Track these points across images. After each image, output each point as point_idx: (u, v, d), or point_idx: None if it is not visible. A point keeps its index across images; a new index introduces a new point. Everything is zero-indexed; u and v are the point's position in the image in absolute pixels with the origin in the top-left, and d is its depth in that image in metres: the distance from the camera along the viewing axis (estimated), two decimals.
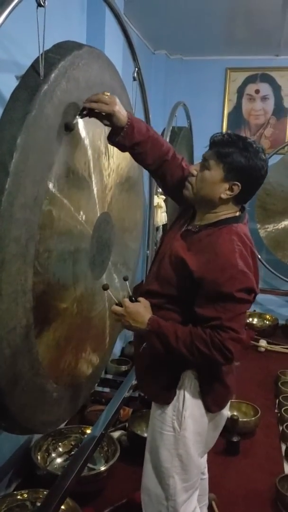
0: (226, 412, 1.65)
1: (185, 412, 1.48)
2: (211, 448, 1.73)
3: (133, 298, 1.47)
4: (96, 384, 2.67)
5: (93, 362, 1.94)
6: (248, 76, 4.42)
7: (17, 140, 1.15)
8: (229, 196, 1.43)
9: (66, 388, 1.69)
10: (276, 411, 3.07)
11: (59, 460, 2.37)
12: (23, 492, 2.03)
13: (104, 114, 1.43)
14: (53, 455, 2.38)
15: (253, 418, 2.80)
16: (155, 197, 2.95)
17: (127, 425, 2.61)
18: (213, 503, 2.14)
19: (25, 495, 2.02)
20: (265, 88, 4.41)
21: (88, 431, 2.40)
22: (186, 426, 1.49)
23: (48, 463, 2.32)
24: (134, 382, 2.58)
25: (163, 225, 3.18)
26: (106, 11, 2.43)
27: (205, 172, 1.44)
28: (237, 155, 1.39)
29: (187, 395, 1.48)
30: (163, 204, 3.04)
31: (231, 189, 1.42)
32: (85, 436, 2.38)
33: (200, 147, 1.67)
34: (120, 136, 1.48)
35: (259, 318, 4.57)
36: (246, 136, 1.47)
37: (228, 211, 1.47)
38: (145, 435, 2.37)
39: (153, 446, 1.56)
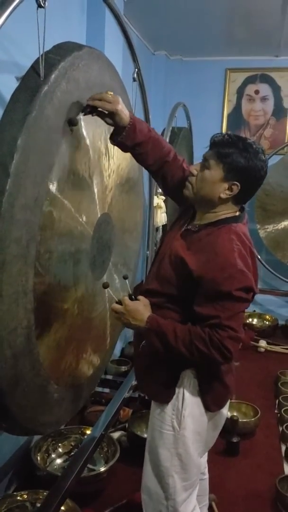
0: (226, 411, 1.66)
1: (184, 411, 1.49)
2: (211, 449, 1.73)
3: (133, 297, 1.49)
4: (96, 385, 2.66)
5: (94, 362, 1.94)
6: (247, 76, 4.43)
7: (18, 141, 1.15)
8: (228, 196, 1.44)
9: (67, 389, 1.69)
10: (276, 411, 3.08)
11: (59, 460, 2.37)
12: (23, 493, 2.03)
13: (106, 112, 1.45)
14: (53, 455, 2.38)
15: (253, 419, 2.80)
16: (155, 197, 2.95)
17: (127, 426, 2.61)
18: (213, 504, 2.14)
19: (25, 496, 2.02)
20: (264, 89, 4.41)
21: (88, 432, 2.40)
22: (186, 425, 1.49)
23: (48, 463, 2.32)
24: (134, 382, 2.58)
25: (163, 226, 3.19)
26: (106, 12, 2.43)
27: (205, 172, 1.45)
28: (237, 155, 1.40)
29: (187, 394, 1.49)
30: (163, 204, 3.04)
31: (230, 189, 1.43)
32: (85, 436, 2.38)
33: (200, 147, 1.68)
34: (122, 135, 1.50)
35: (259, 318, 4.57)
36: (246, 137, 1.48)
37: (227, 211, 1.48)
38: (145, 435, 2.37)
39: (153, 445, 1.56)
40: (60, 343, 1.56)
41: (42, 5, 1.24)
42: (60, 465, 2.34)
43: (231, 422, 2.57)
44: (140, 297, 1.50)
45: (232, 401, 2.90)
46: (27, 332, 1.32)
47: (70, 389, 1.73)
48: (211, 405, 1.51)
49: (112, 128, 1.55)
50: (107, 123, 1.50)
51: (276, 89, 4.39)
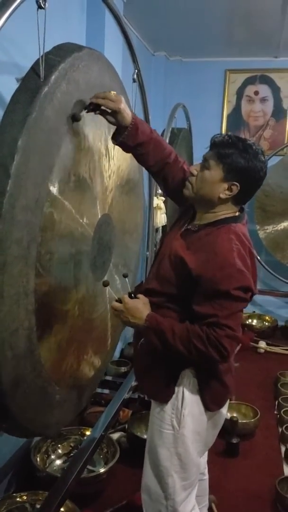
0: (225, 411, 1.66)
1: (184, 411, 1.49)
2: (210, 450, 1.73)
3: (133, 295, 1.50)
4: (97, 386, 2.66)
5: (95, 364, 1.94)
6: (247, 77, 4.43)
7: (18, 142, 1.15)
8: (228, 196, 1.46)
9: (68, 390, 1.69)
10: (275, 412, 3.07)
11: (58, 462, 2.37)
12: (22, 494, 2.03)
13: (109, 111, 1.47)
14: (53, 456, 2.38)
15: (252, 420, 2.80)
16: (155, 198, 2.95)
17: (126, 427, 2.61)
18: (213, 505, 2.14)
19: (25, 497, 2.02)
20: (264, 90, 4.42)
21: (88, 433, 2.40)
22: (185, 425, 1.50)
23: (47, 465, 2.31)
24: (133, 383, 2.58)
25: (163, 227, 3.18)
26: (105, 13, 2.43)
27: (205, 172, 1.46)
28: (236, 156, 1.41)
29: (186, 393, 1.49)
30: (162, 205, 3.04)
31: (230, 189, 1.44)
32: (85, 437, 2.38)
33: (200, 148, 1.69)
34: (124, 135, 1.52)
35: (258, 319, 4.57)
36: (245, 138, 1.49)
37: (227, 211, 1.49)
38: (145, 436, 2.36)
39: (152, 444, 1.57)
40: (61, 345, 1.56)
41: (42, 6, 1.24)
42: (59, 466, 2.34)
43: (230, 423, 2.57)
44: (140, 296, 1.51)
45: (231, 402, 2.90)
46: (28, 333, 1.31)
47: (71, 390, 1.73)
48: (210, 404, 1.52)
49: (113, 129, 1.56)
50: (109, 122, 1.52)
51: (275, 90, 4.39)
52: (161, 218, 3.07)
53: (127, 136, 1.52)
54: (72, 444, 2.44)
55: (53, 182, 1.35)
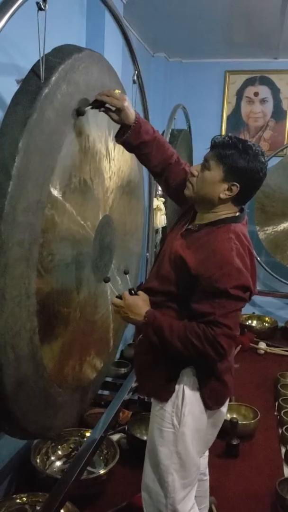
0: (225, 410, 1.67)
1: (184, 409, 1.50)
2: (211, 451, 1.73)
3: (133, 291, 1.52)
4: (99, 388, 2.66)
5: (97, 366, 1.94)
6: (247, 78, 4.43)
7: (19, 143, 1.16)
8: (228, 196, 1.46)
9: (71, 392, 1.69)
10: (275, 413, 3.07)
11: (58, 463, 2.37)
12: (22, 495, 2.02)
13: (113, 109, 1.51)
14: (52, 458, 2.37)
15: (252, 421, 2.80)
16: (155, 199, 2.95)
17: (126, 428, 2.60)
18: (213, 506, 2.13)
19: (24, 499, 2.01)
20: (264, 91, 4.42)
21: (88, 434, 2.40)
22: (186, 423, 1.51)
23: (47, 466, 2.31)
24: (133, 385, 2.57)
25: (163, 228, 3.18)
26: (105, 14, 2.43)
27: (205, 172, 1.47)
28: (237, 157, 1.42)
29: (186, 392, 1.50)
30: (162, 206, 3.05)
31: (230, 189, 1.45)
32: (85, 439, 2.37)
33: (200, 149, 1.69)
34: (128, 133, 1.55)
35: (258, 320, 4.57)
36: (246, 139, 1.50)
37: (227, 211, 1.50)
38: (145, 438, 2.36)
39: (153, 443, 1.58)
40: (63, 346, 1.56)
41: (43, 7, 1.25)
42: (59, 468, 2.33)
43: (230, 424, 2.57)
44: (140, 292, 1.53)
45: (231, 403, 2.90)
46: (30, 335, 1.31)
47: (74, 392, 1.73)
48: (210, 403, 1.53)
49: (113, 131, 1.57)
50: (113, 120, 1.55)
51: (275, 91, 4.40)
52: (161, 219, 3.08)
53: (130, 135, 1.55)
54: (72, 446, 2.44)
55: (54, 183, 1.35)
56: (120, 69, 2.50)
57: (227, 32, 3.66)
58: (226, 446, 2.58)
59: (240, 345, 3.89)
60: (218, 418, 1.63)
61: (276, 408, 3.12)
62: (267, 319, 4.56)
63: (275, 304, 4.68)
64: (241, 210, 1.56)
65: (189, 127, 4.06)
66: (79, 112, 1.46)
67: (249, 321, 4.52)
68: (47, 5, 1.25)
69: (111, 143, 1.78)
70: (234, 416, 2.80)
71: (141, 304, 1.49)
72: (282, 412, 2.93)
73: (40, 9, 1.25)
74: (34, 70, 1.27)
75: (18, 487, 2.21)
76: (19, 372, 1.29)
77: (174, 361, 1.49)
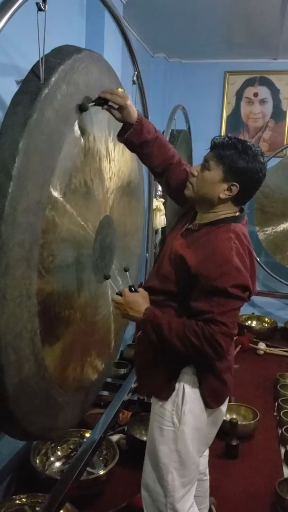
0: (225, 408, 1.68)
1: (184, 407, 1.51)
2: (210, 452, 1.73)
3: (133, 288, 1.54)
4: (100, 389, 2.66)
5: (98, 367, 1.94)
6: (246, 79, 4.43)
7: (19, 144, 1.15)
8: (227, 196, 1.48)
9: (72, 393, 1.68)
10: (275, 414, 3.07)
11: (58, 464, 2.37)
12: (21, 496, 2.02)
13: (116, 107, 1.53)
14: (52, 459, 2.37)
15: (252, 421, 2.80)
16: (154, 200, 2.95)
17: (126, 429, 2.60)
18: (213, 507, 2.13)
19: (24, 500, 2.01)
20: (263, 91, 4.42)
21: (87, 435, 2.40)
22: (186, 422, 1.51)
23: (47, 467, 2.31)
24: (133, 385, 2.57)
25: (162, 228, 3.18)
26: (105, 15, 2.43)
27: (205, 172, 1.48)
28: (236, 157, 1.43)
29: (187, 391, 1.51)
30: (162, 207, 3.04)
31: (229, 189, 1.46)
32: (84, 440, 2.37)
33: (199, 150, 1.70)
34: (130, 132, 1.57)
35: (258, 321, 4.57)
36: (245, 139, 1.51)
37: (227, 211, 1.51)
38: (144, 438, 2.36)
39: (153, 442, 1.58)
40: (64, 347, 1.56)
41: (42, 8, 1.25)
42: (59, 469, 2.33)
43: (230, 425, 2.57)
44: (140, 289, 1.55)
45: (231, 403, 2.90)
46: (31, 336, 1.31)
47: (75, 393, 1.72)
48: (210, 401, 1.53)
49: (114, 131, 1.58)
50: (116, 117, 1.56)
51: (275, 91, 4.40)
52: (160, 220, 3.07)
53: (132, 134, 1.57)
54: (71, 446, 2.44)
55: (55, 184, 1.35)
56: (119, 70, 2.50)
57: (226, 32, 3.67)
58: (226, 447, 2.58)
59: (240, 346, 3.89)
60: (217, 417, 1.64)
61: (275, 409, 3.12)
62: (266, 319, 4.56)
63: (275, 304, 4.68)
64: (241, 210, 1.57)
65: (189, 127, 4.07)
66: (82, 108, 1.47)
67: (249, 322, 4.52)
68: (47, 6, 1.25)
69: (111, 144, 1.78)
70: (234, 416, 2.80)
71: (140, 301, 1.51)
72: (281, 413, 2.94)
73: (40, 9, 1.24)
74: (34, 70, 1.27)
75: (18, 487, 2.21)
76: (20, 373, 1.29)
77: (174, 360, 1.50)
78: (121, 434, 2.63)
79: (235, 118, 4.52)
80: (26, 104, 1.21)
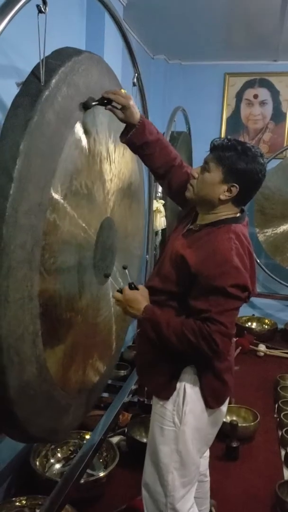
0: (225, 408, 1.68)
1: (185, 407, 1.51)
2: (211, 454, 1.73)
3: (133, 286, 1.55)
4: (102, 391, 2.66)
5: (100, 368, 1.94)
6: (246, 81, 4.44)
7: (20, 146, 1.15)
8: (228, 197, 1.49)
9: (74, 395, 1.68)
10: (275, 416, 3.07)
11: (58, 466, 2.36)
12: (21, 498, 2.02)
13: (119, 107, 1.54)
14: (52, 461, 2.37)
15: (252, 423, 2.80)
16: (154, 201, 2.95)
17: (126, 430, 2.60)
18: (213, 509, 2.13)
19: (24, 502, 2.01)
20: (263, 93, 4.42)
21: (87, 437, 2.40)
22: (187, 422, 1.52)
23: (47, 469, 2.31)
24: (133, 387, 2.57)
25: (162, 230, 3.18)
26: (105, 17, 2.44)
27: (205, 174, 1.50)
28: (236, 158, 1.44)
29: (187, 390, 1.51)
30: (162, 209, 3.04)
31: (229, 190, 1.47)
32: (84, 441, 2.37)
33: (199, 151, 1.70)
34: (132, 132, 1.59)
35: (258, 322, 4.57)
36: (245, 141, 1.52)
37: (227, 212, 1.53)
38: (145, 440, 2.36)
39: (153, 441, 1.59)
40: (66, 349, 1.56)
41: (43, 10, 1.25)
42: (59, 470, 2.33)
43: (230, 427, 2.57)
44: (140, 287, 1.56)
45: (231, 405, 2.90)
46: (33, 338, 1.31)
47: (77, 395, 1.72)
48: (211, 402, 1.54)
49: (115, 133, 1.58)
50: (118, 117, 1.58)
51: (275, 93, 4.40)
52: (160, 222, 3.07)
53: (134, 134, 1.59)
54: (71, 448, 2.43)
55: (56, 186, 1.35)
56: (120, 72, 2.50)
57: (226, 34, 3.67)
58: (226, 449, 2.58)
59: (240, 347, 3.89)
60: (218, 417, 1.64)
61: (276, 410, 3.11)
62: (266, 321, 4.55)
63: (275, 306, 4.68)
64: (242, 211, 1.58)
65: (189, 129, 4.07)
66: (86, 106, 1.49)
67: (249, 323, 4.52)
68: (47, 8, 1.25)
69: (111, 146, 1.78)
70: (234, 418, 2.80)
71: (140, 299, 1.52)
72: (282, 415, 2.93)
73: (40, 11, 1.25)
74: (34, 72, 1.27)
75: (18, 489, 2.21)
76: (22, 375, 1.29)
77: (175, 360, 1.51)
78: (121, 436, 2.62)
79: (235, 120, 4.53)
80: (26, 106, 1.21)
